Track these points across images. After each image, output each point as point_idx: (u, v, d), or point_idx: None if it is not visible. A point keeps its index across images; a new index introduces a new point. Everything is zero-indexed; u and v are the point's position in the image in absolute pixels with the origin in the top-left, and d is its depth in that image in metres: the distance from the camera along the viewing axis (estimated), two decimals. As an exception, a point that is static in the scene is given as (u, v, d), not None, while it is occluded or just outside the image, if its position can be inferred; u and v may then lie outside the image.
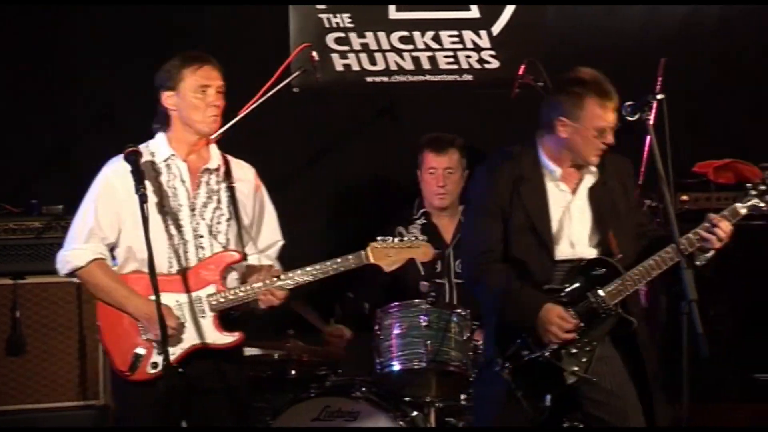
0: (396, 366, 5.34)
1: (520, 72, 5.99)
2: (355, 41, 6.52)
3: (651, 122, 4.45)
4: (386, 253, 4.84)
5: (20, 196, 5.03)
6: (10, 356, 5.72)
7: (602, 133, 4.68)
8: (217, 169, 4.79)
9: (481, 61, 6.62)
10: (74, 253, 4.74)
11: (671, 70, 5.50)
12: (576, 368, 4.68)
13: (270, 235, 5.00)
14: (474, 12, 6.58)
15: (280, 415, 5.41)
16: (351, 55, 6.54)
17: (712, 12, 6.64)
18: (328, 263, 4.80)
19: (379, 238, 4.86)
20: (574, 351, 4.69)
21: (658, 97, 4.55)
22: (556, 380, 4.70)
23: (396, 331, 5.38)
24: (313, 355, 5.77)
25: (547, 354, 4.68)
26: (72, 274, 4.78)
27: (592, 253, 4.77)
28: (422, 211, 6.04)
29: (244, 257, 4.80)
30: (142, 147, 4.81)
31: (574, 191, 4.81)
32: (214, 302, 4.68)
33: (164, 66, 4.83)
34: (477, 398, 5.37)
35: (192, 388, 4.72)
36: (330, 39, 6.51)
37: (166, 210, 4.74)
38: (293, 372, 5.70)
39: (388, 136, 6.55)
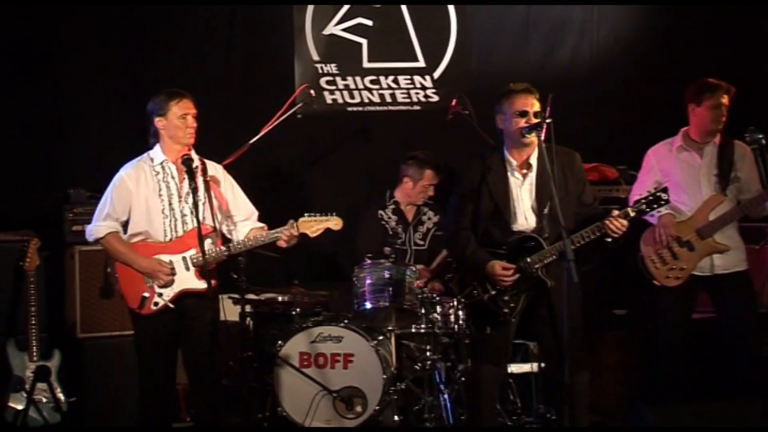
0: (368, 305, 5.98)
1: (453, 104, 6.59)
2: (340, 83, 7.19)
3: (543, 138, 4.99)
4: (309, 225, 5.24)
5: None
6: (104, 298, 6.32)
7: (524, 115, 5.05)
8: (196, 168, 5.19)
9: (426, 96, 7.31)
10: (96, 227, 5.26)
11: (557, 102, 5.51)
12: (507, 310, 5.20)
13: (246, 208, 5.42)
14: (421, 62, 7.29)
15: (288, 339, 6.01)
16: (337, 92, 7.21)
17: (584, 63, 7.45)
18: (272, 231, 5.25)
19: (306, 213, 5.24)
20: (506, 298, 5.18)
21: (548, 121, 4.96)
22: (494, 317, 5.24)
23: (368, 281, 5.99)
24: (311, 298, 6.32)
25: (486, 298, 5.19)
26: (96, 242, 5.28)
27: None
28: (393, 199, 6.58)
29: (214, 229, 5.22)
30: (146, 154, 5.29)
31: (524, 177, 5.17)
32: (194, 260, 5.20)
33: (154, 99, 5.22)
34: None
35: (182, 317, 5.25)
36: (323, 81, 7.19)
37: (162, 197, 5.24)
38: (297, 310, 6.26)
39: (363, 149, 7.28)
